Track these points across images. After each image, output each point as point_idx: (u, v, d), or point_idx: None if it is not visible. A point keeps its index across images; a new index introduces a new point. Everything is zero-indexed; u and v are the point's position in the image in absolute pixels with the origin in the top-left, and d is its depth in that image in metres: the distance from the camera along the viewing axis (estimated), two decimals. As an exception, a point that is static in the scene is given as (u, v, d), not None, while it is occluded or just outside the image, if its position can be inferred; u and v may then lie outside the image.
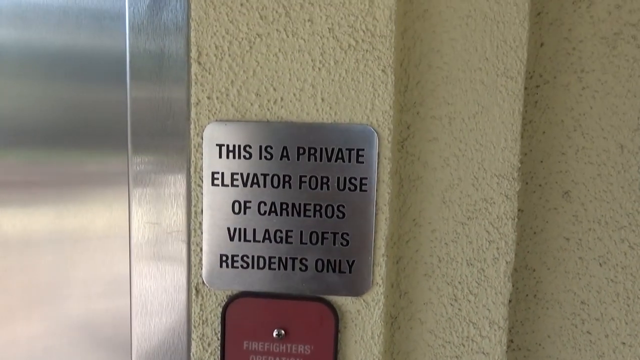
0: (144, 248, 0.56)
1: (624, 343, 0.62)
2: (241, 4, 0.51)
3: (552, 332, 0.63)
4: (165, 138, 0.55)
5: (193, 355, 0.54)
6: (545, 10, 0.58)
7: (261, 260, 0.53)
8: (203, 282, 0.53)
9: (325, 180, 0.51)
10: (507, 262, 0.56)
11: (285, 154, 0.51)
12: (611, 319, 0.62)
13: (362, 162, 0.51)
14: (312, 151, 0.51)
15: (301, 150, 0.51)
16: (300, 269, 0.52)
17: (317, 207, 0.52)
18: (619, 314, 0.62)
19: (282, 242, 0.52)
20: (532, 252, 0.62)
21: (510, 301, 0.56)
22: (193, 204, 0.53)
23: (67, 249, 0.61)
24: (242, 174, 0.52)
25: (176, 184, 0.55)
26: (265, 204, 0.52)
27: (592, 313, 0.62)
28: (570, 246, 0.61)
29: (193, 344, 0.54)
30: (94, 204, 0.60)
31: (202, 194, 0.53)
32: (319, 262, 0.52)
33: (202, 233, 0.53)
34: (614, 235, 0.61)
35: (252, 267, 0.53)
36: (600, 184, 0.60)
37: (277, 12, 0.51)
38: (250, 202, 0.52)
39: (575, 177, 0.60)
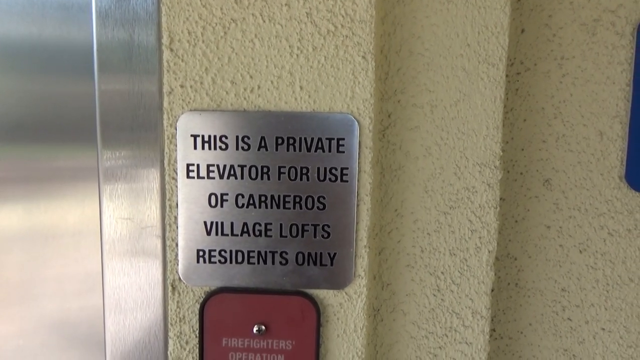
0: (117, 244, 0.54)
1: (603, 329, 0.63)
2: (215, -14, 0.49)
3: (533, 320, 0.63)
4: (137, 130, 0.52)
5: (170, 354, 0.53)
6: (526, -4, 0.57)
7: (240, 254, 0.51)
8: (179, 278, 0.51)
9: (304, 170, 0.50)
10: (489, 251, 0.55)
11: (263, 144, 0.50)
12: (591, 305, 0.62)
13: (343, 152, 0.49)
14: (291, 141, 0.49)
15: (279, 140, 0.50)
16: (280, 262, 0.51)
17: (297, 199, 0.50)
18: (599, 300, 0.62)
19: (261, 236, 0.51)
20: (514, 241, 0.62)
21: (492, 290, 0.56)
22: (167, 197, 0.51)
23: (38, 246, 0.58)
24: (218, 166, 0.50)
25: (149, 178, 0.53)
26: (243, 196, 0.50)
27: (573, 300, 0.62)
28: (551, 234, 0.61)
29: (170, 342, 0.52)
30: (65, 199, 0.58)
31: (176, 187, 0.51)
32: (300, 255, 0.51)
33: (177, 228, 0.51)
34: (593, 222, 0.61)
35: (231, 262, 0.51)
36: (580, 171, 0.60)
37: (252, -4, 0.49)
38: (227, 194, 0.50)
39: (555, 165, 0.60)
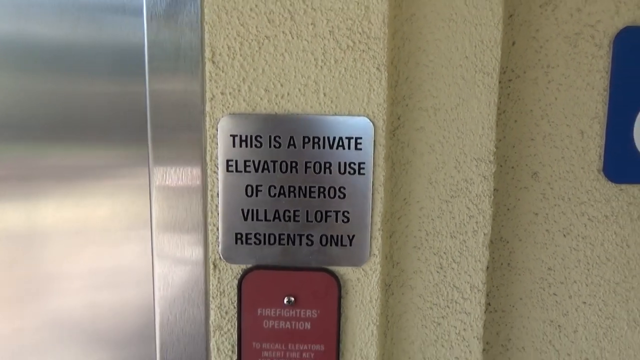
0: (165, 230, 0.62)
1: (584, 302, 0.72)
2: (250, 9, 0.57)
3: (523, 295, 0.72)
4: (182, 130, 0.61)
5: (212, 322, 0.61)
6: (517, 13, 0.66)
7: (272, 237, 0.59)
8: (220, 257, 0.60)
9: (327, 165, 0.58)
10: (484, 234, 0.64)
11: (292, 142, 0.58)
12: (574, 282, 0.71)
13: (360, 149, 0.58)
14: (316, 140, 0.58)
15: (306, 139, 0.58)
16: (306, 244, 0.60)
17: (321, 189, 0.59)
18: (580, 278, 0.71)
19: (290, 221, 0.59)
20: (506, 226, 0.70)
21: (487, 268, 0.65)
22: (209, 188, 0.60)
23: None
24: (253, 161, 0.58)
25: (193, 172, 0.61)
26: (274, 187, 0.59)
27: (557, 277, 0.71)
28: (539, 220, 0.70)
29: (212, 312, 0.61)
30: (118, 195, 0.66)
31: (217, 179, 0.59)
32: (323, 237, 0.59)
33: (218, 214, 0.60)
34: (575, 209, 0.70)
35: (264, 244, 0.60)
36: (564, 165, 0.69)
37: (283, 16, 0.57)
38: (261, 185, 0.59)
39: (542, 160, 0.69)
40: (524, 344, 0.73)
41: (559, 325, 0.72)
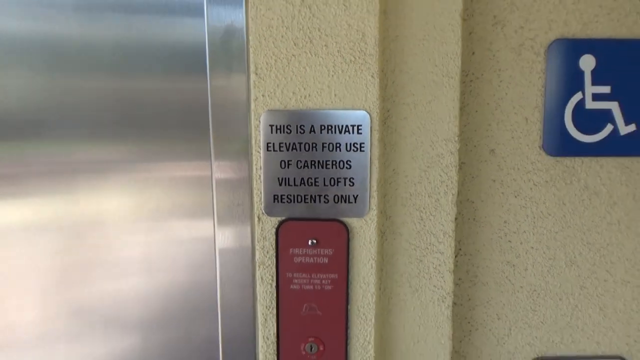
0: (222, 196, 0.86)
1: (532, 247, 0.95)
2: (282, 36, 0.81)
3: (485, 242, 0.95)
4: (234, 122, 0.85)
5: (257, 260, 0.85)
6: (475, 31, 0.89)
7: (299, 197, 0.83)
8: (263, 212, 0.84)
9: (338, 145, 0.82)
10: (452, 194, 0.87)
11: (312, 130, 0.82)
12: (523, 232, 0.95)
13: (361, 133, 0.82)
14: (330, 127, 0.82)
15: (322, 127, 0.82)
16: (324, 201, 0.83)
17: (334, 162, 0.82)
18: (528, 228, 0.95)
19: (312, 185, 0.83)
20: (471, 191, 0.94)
21: (455, 219, 0.88)
22: (254, 163, 0.84)
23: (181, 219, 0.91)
24: (285, 144, 0.82)
25: (242, 152, 0.85)
26: (300, 162, 0.83)
27: (511, 228, 0.95)
28: (496, 185, 0.94)
29: (257, 252, 0.85)
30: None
31: (260, 157, 0.83)
32: (336, 197, 0.83)
33: (261, 182, 0.84)
34: (523, 177, 0.93)
35: (294, 202, 0.84)
36: (514, 143, 0.92)
37: (304, 40, 0.81)
38: (291, 161, 0.83)
39: (497, 140, 0.92)
40: (487, 280, 0.96)
41: (513, 265, 0.96)
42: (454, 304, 0.95)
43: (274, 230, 0.84)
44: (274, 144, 0.83)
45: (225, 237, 0.87)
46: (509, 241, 0.95)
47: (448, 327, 0.90)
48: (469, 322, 0.98)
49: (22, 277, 0.94)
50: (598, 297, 0.96)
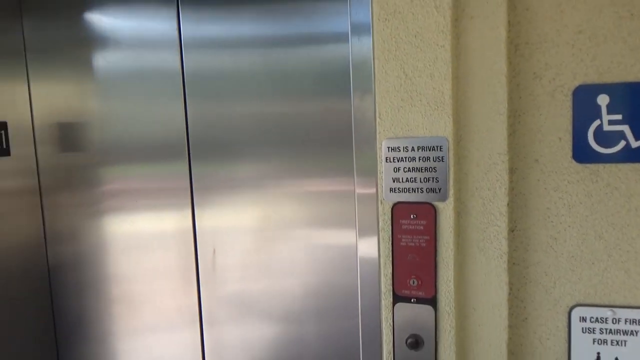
0: (363, 198, 1.46)
1: (569, 226, 1.38)
2: (394, 95, 1.39)
3: (534, 222, 1.41)
4: (367, 142, 1.44)
5: (380, 227, 1.43)
6: (520, 83, 1.38)
7: (405, 189, 1.40)
8: (384, 198, 1.42)
9: (428, 157, 1.37)
10: (505, 188, 1.36)
11: (413, 149, 1.38)
12: (562, 215, 1.38)
13: (442, 151, 1.35)
14: (423, 147, 1.37)
15: (419, 147, 1.37)
16: (420, 192, 1.38)
17: (426, 168, 1.37)
18: (565, 212, 1.38)
19: (413, 182, 1.39)
20: (522, 187, 1.41)
21: (508, 205, 1.36)
22: (378, 169, 1.42)
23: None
24: (397, 157, 1.39)
25: (371, 165, 1.45)
26: (406, 168, 1.39)
27: (552, 212, 1.39)
28: (540, 183, 1.39)
29: (380, 222, 1.43)
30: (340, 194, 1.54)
31: (382, 166, 1.41)
32: (427, 189, 1.38)
33: (383, 181, 1.42)
34: (560, 177, 1.37)
35: (402, 192, 1.40)
36: (552, 155, 1.37)
37: (407, 97, 1.38)
38: (400, 168, 1.39)
39: (540, 153, 1.38)
40: (536, 248, 1.41)
41: (555, 238, 1.39)
42: (513, 264, 1.42)
43: (390, 209, 1.41)
44: (390, 157, 1.40)
45: (363, 216, 1.47)
46: (551, 222, 1.40)
47: (505, 276, 1.38)
48: (524, 277, 1.43)
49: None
50: (622, 263, 1.35)
